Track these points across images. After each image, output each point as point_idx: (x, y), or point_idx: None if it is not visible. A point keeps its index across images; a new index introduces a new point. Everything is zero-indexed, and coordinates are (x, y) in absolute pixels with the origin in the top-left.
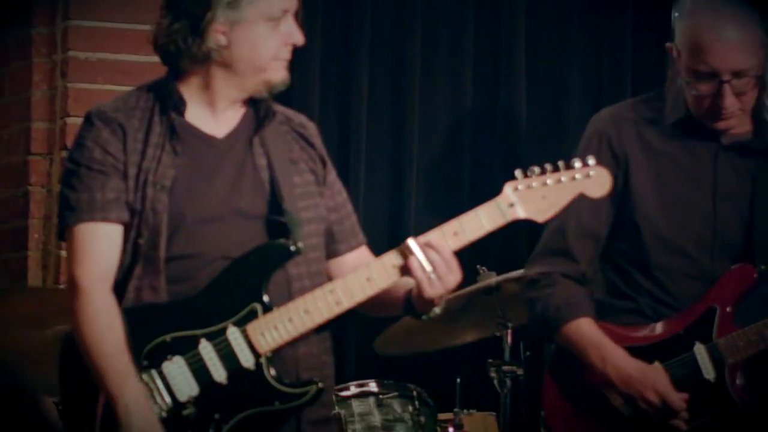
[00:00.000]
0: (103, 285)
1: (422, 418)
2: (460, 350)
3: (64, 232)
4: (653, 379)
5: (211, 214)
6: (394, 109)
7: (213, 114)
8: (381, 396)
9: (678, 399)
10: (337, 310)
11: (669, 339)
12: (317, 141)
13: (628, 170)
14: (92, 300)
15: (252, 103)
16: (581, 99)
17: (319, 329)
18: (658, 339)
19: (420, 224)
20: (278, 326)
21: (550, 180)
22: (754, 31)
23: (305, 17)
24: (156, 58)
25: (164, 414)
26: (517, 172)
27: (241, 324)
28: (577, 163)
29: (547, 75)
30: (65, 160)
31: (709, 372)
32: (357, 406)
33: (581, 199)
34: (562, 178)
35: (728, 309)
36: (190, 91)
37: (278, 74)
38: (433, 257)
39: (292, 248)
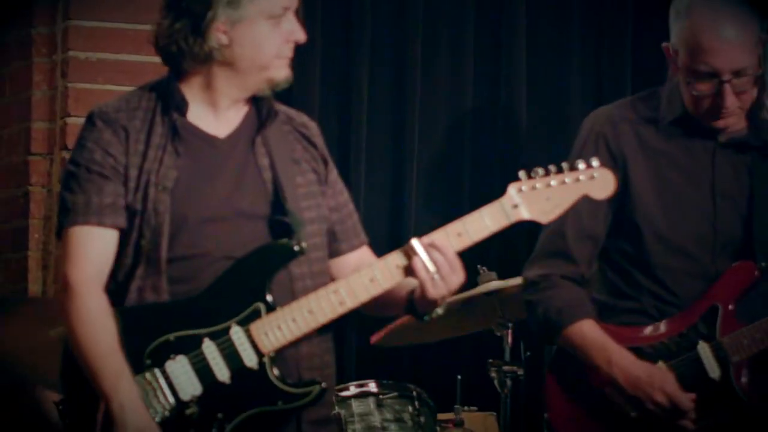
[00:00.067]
0: (95, 286)
1: (422, 418)
2: (460, 350)
3: (61, 233)
4: (661, 380)
5: (213, 214)
6: (394, 109)
7: (215, 113)
8: (381, 396)
9: (686, 399)
10: (341, 310)
11: (672, 339)
12: (319, 141)
13: (627, 170)
14: (85, 301)
15: (254, 101)
16: (581, 99)
17: (321, 329)
18: (661, 339)
19: (420, 224)
20: (281, 326)
21: (554, 181)
22: (752, 30)
23: (305, 17)
24: (156, 58)
25: (167, 413)
26: (521, 174)
27: (244, 323)
28: (581, 165)
29: (547, 75)
30: (67, 161)
31: (714, 371)
32: (357, 406)
33: (581, 200)
34: (566, 180)
35: (730, 307)
36: (192, 91)
37: (281, 72)
38: (436, 258)
39: (296, 248)
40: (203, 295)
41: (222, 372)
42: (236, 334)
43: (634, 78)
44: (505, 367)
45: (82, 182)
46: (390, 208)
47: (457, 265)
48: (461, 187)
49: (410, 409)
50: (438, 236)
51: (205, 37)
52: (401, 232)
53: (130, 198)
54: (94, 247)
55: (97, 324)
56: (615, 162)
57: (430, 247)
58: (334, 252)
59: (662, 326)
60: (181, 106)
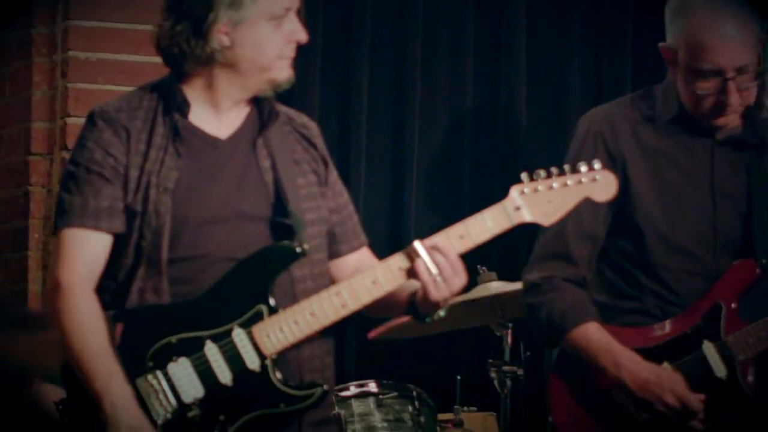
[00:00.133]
0: (86, 287)
1: (422, 418)
2: (459, 350)
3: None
4: (670, 382)
5: (215, 215)
6: (394, 109)
7: (216, 115)
8: (381, 396)
9: (696, 400)
10: (343, 312)
11: (676, 339)
12: (319, 141)
13: (626, 170)
14: (76, 302)
15: (255, 102)
16: (581, 99)
17: (323, 331)
18: (666, 339)
19: (420, 224)
20: (284, 328)
21: (556, 183)
22: (751, 26)
23: (306, 17)
24: (156, 58)
25: (169, 415)
26: (523, 176)
27: (246, 326)
28: (583, 167)
29: (547, 75)
30: (67, 161)
31: (720, 370)
32: (357, 406)
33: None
34: (568, 182)
35: (733, 305)
36: (193, 92)
37: (283, 73)
38: (439, 260)
39: (298, 250)
40: (205, 297)
41: (224, 374)
42: (238, 336)
43: (634, 78)
44: (505, 368)
45: (81, 183)
46: (390, 208)
47: (460, 267)
48: (461, 187)
49: (410, 409)
50: (440, 238)
51: (206, 39)
52: (401, 233)
53: (131, 199)
54: (88, 250)
55: (88, 324)
56: (614, 162)
57: (432, 249)
58: (334, 253)
59: (666, 326)
60: (183, 108)
